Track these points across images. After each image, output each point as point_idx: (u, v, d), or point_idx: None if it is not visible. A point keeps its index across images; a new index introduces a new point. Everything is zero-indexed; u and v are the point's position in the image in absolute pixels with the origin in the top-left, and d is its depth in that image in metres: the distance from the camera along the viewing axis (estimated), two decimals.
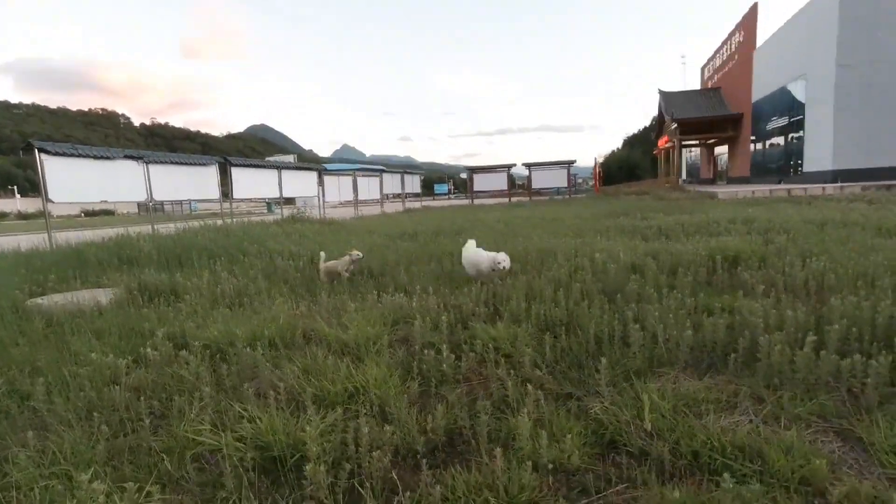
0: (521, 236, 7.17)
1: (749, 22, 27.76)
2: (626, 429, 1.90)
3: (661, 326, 2.71)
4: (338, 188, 20.49)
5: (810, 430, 1.87)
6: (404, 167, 31.62)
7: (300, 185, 17.33)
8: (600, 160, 37.75)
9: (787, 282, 3.71)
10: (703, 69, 38.09)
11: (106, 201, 11.01)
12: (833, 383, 2.18)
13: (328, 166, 22.90)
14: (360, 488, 1.67)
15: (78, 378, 2.59)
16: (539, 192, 26.52)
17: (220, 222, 10.34)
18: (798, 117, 21.10)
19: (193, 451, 1.92)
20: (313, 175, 18.14)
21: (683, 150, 37.27)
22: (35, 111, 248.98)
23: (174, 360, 2.78)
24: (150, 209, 13.93)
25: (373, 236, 8.75)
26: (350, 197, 21.47)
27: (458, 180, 72.67)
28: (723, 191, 17.88)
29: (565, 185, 25.79)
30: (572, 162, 25.49)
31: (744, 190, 17.18)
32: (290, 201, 20.05)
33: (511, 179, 27.39)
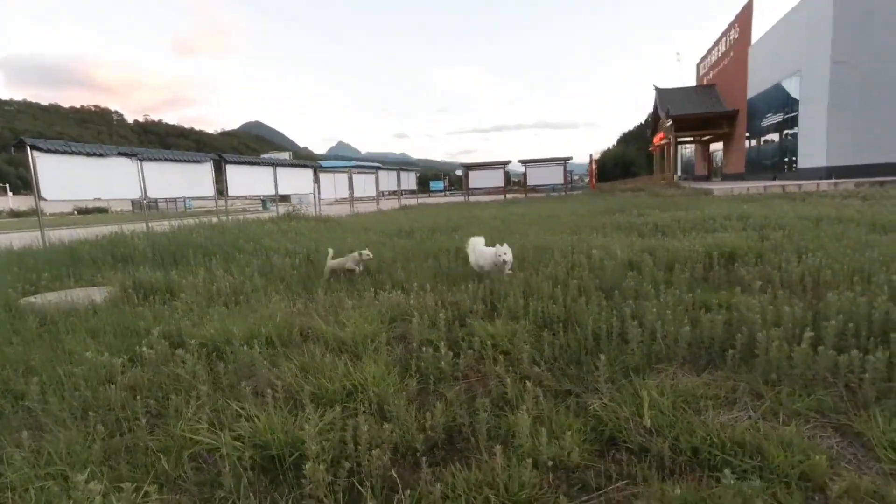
0: (518, 233, 7.16)
1: (744, 18, 27.80)
2: (625, 425, 1.90)
3: (659, 323, 2.71)
4: (333, 185, 20.41)
5: (808, 425, 1.88)
6: (400, 164, 31.56)
7: (296, 182, 17.26)
8: (596, 157, 37.78)
9: (784, 278, 3.72)
10: (698, 66, 38.17)
11: (99, 199, 10.91)
12: (831, 379, 2.19)
13: (324, 163, 22.82)
14: (359, 487, 1.66)
15: (73, 377, 2.56)
16: (535, 188, 26.54)
17: (215, 220, 10.28)
18: (793, 114, 21.18)
19: (191, 450, 1.91)
20: (309, 172, 18.07)
21: (679, 147, 37.38)
22: (26, 108, 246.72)
23: (170, 358, 2.76)
24: (145, 207, 13.83)
25: (369, 233, 8.73)
26: (346, 194, 21.41)
27: (453, 177, 72.62)
28: (718, 187, 17.94)
29: (561, 181, 25.80)
30: (568, 159, 25.50)
31: (739, 186, 17.25)
32: (285, 199, 19.99)
33: (507, 176, 27.38)
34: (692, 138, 35.89)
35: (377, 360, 2.58)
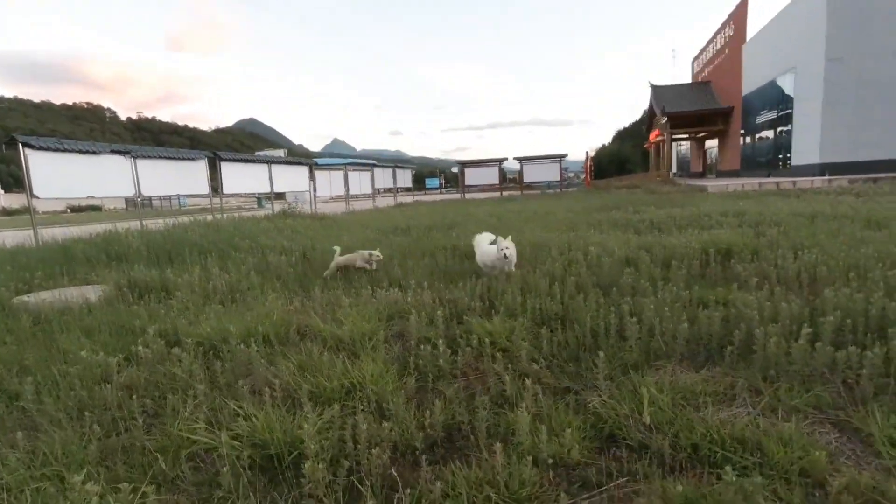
0: (514, 230, 7.14)
1: (739, 15, 27.87)
2: (625, 422, 1.90)
3: (657, 320, 2.71)
4: (329, 183, 20.34)
5: (807, 421, 1.88)
6: (395, 161, 31.50)
7: (291, 179, 17.19)
8: (592, 154, 37.84)
9: (780, 274, 3.74)
10: (693, 63, 38.25)
11: (93, 197, 10.82)
12: (828, 375, 2.19)
13: (319, 161, 22.71)
14: (359, 486, 1.65)
15: (68, 377, 2.54)
16: (530, 185, 26.54)
17: (209, 217, 10.22)
18: (787, 111, 21.26)
19: (188, 450, 1.89)
20: (304, 169, 17.99)
21: (674, 144, 37.48)
22: (18, 105, 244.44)
23: (166, 357, 2.74)
24: (139, 205, 13.73)
25: (365, 231, 8.71)
26: (341, 191, 21.33)
27: (449, 174, 72.53)
28: (713, 184, 17.99)
29: (557, 179, 25.80)
30: (564, 156, 25.52)
31: (734, 183, 17.30)
32: (280, 196, 19.90)
33: (503, 173, 27.37)
34: (687, 135, 36.00)
35: (375, 358, 2.57)
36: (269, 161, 16.05)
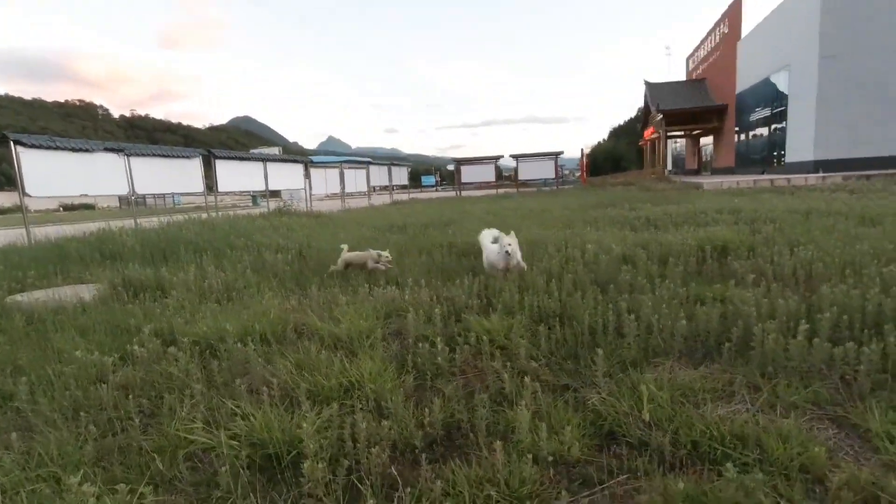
0: (511, 227, 7.13)
1: (734, 13, 27.94)
2: (624, 420, 1.90)
3: (655, 317, 2.72)
4: (324, 180, 20.25)
5: (806, 417, 1.89)
6: (391, 159, 31.43)
7: (286, 177, 17.10)
8: (587, 151, 37.89)
9: (776, 271, 3.75)
10: (687, 60, 38.34)
11: (86, 195, 10.74)
12: (826, 371, 2.20)
13: (314, 158, 22.60)
14: (358, 485, 1.65)
15: (62, 377, 2.52)
16: (526, 183, 26.54)
17: (204, 216, 10.17)
18: (781, 108, 21.35)
19: (186, 450, 1.88)
20: (299, 167, 17.91)
21: (669, 141, 37.58)
22: (8, 102, 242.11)
23: (162, 356, 2.72)
24: (132, 203, 13.63)
25: (361, 229, 8.68)
26: (337, 189, 21.26)
27: (445, 172, 72.47)
28: (708, 181, 18.05)
29: (552, 176, 25.81)
30: (560, 153, 25.52)
31: (728, 180, 17.37)
32: (275, 194, 19.81)
33: (498, 171, 27.34)
34: (682, 132, 36.10)
35: (373, 356, 2.56)
36: (265, 159, 15.97)
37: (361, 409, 2.07)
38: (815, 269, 3.64)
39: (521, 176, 25.86)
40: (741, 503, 1.38)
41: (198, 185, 13.27)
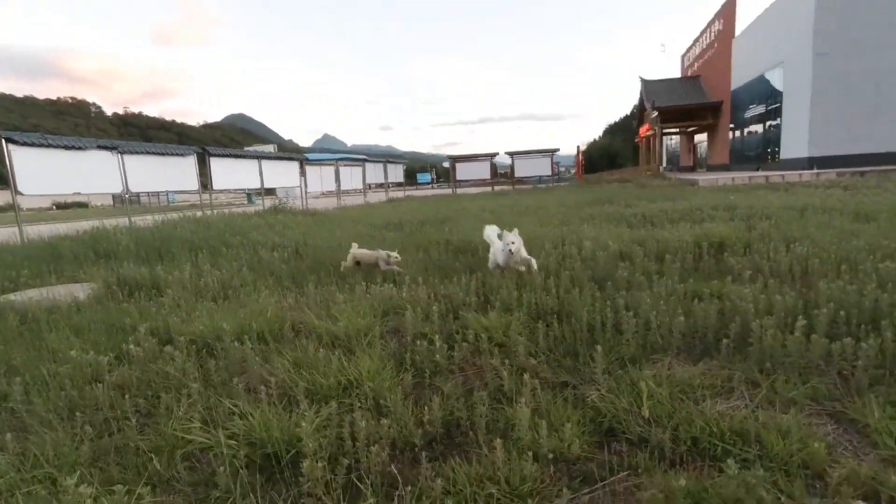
0: (508, 225, 7.14)
1: (728, 10, 27.99)
2: (624, 416, 1.90)
3: (653, 313, 2.72)
4: (320, 178, 20.19)
5: (804, 413, 1.89)
6: (386, 156, 31.34)
7: (282, 175, 17.04)
8: (583, 148, 37.93)
9: (773, 267, 3.76)
10: (682, 57, 38.39)
11: (79, 193, 10.66)
12: (824, 367, 2.21)
13: (310, 156, 22.52)
14: (358, 484, 1.64)
15: (57, 377, 2.49)
16: (522, 180, 26.54)
17: (199, 214, 10.11)
18: (775, 105, 21.44)
19: (184, 449, 1.86)
20: (295, 165, 17.84)
21: (664, 138, 37.67)
22: None
23: (159, 355, 2.70)
24: (126, 201, 13.54)
25: (358, 226, 8.66)
26: (332, 187, 21.21)
27: (440, 169, 72.36)
28: (703, 178, 18.11)
29: (548, 173, 25.82)
30: (556, 150, 25.53)
31: (723, 177, 17.44)
32: (271, 192, 19.72)
33: (494, 168, 27.33)
34: (677, 129, 36.18)
35: (371, 354, 2.55)
36: (260, 156, 15.90)
37: (360, 407, 2.06)
38: (811, 265, 3.65)
39: (517, 173, 25.86)
40: (742, 499, 1.38)
41: (192, 182, 13.20)
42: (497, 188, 25.43)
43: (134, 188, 11.31)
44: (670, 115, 30.91)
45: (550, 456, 1.70)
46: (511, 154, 25.72)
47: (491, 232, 4.51)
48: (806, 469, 1.56)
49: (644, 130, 36.47)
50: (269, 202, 14.58)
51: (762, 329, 2.35)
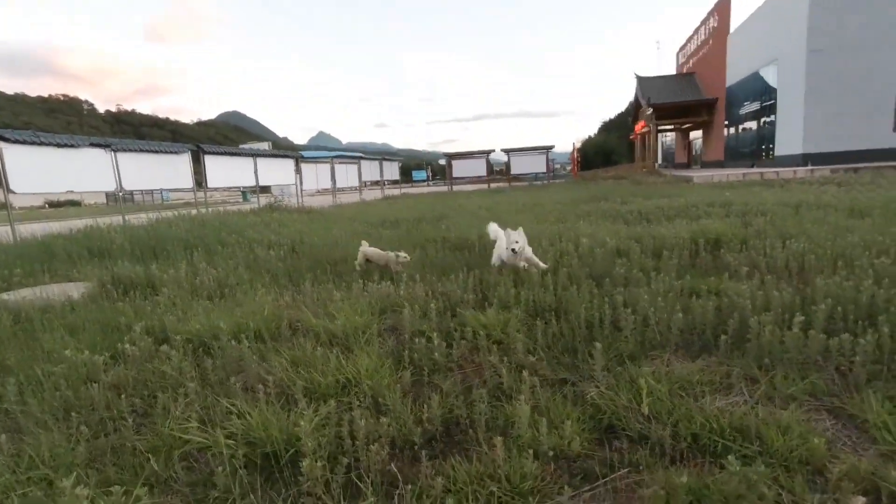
0: (505, 222, 7.13)
1: (723, 7, 28.06)
2: (623, 413, 1.89)
3: (651, 310, 2.72)
4: (315, 176, 20.12)
5: (803, 409, 1.90)
6: (382, 154, 31.24)
7: (277, 173, 16.97)
8: (578, 145, 37.97)
9: (770, 263, 3.77)
10: (677, 54, 38.47)
11: (72, 191, 10.57)
12: (822, 362, 2.22)
13: (305, 153, 22.45)
14: (358, 482, 1.63)
15: (52, 377, 2.46)
16: (518, 177, 26.54)
17: (194, 212, 10.05)
18: (770, 102, 21.53)
19: (181, 449, 1.84)
20: (290, 163, 17.77)
21: (659, 135, 37.76)
22: None
23: (155, 355, 2.68)
24: (120, 199, 13.43)
25: (354, 224, 8.63)
26: (328, 185, 21.13)
27: (436, 167, 72.23)
28: (698, 175, 18.18)
29: (544, 170, 25.84)
30: (551, 147, 25.55)
31: (718, 174, 17.50)
32: (266, 190, 19.63)
33: (490, 165, 27.31)
34: (672, 126, 36.29)
35: (369, 352, 2.54)
36: (255, 154, 15.81)
37: (359, 405, 2.05)
38: (807, 261, 3.67)
39: (513, 170, 25.87)
40: (744, 496, 1.38)
41: (187, 180, 13.11)
42: (493, 185, 25.42)
43: (128, 186, 11.22)
44: (665, 112, 30.99)
45: (551, 453, 1.69)
46: (507, 151, 25.72)
47: (496, 228, 4.48)
48: (806, 465, 1.56)
49: (639, 127, 36.54)
50: (264, 200, 14.51)
51: (760, 325, 2.36)
